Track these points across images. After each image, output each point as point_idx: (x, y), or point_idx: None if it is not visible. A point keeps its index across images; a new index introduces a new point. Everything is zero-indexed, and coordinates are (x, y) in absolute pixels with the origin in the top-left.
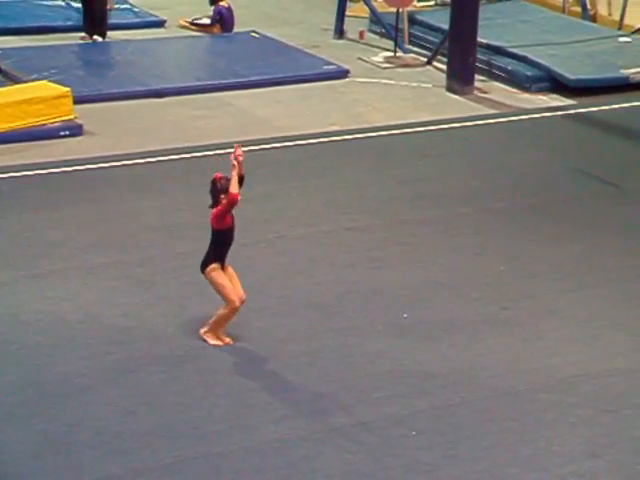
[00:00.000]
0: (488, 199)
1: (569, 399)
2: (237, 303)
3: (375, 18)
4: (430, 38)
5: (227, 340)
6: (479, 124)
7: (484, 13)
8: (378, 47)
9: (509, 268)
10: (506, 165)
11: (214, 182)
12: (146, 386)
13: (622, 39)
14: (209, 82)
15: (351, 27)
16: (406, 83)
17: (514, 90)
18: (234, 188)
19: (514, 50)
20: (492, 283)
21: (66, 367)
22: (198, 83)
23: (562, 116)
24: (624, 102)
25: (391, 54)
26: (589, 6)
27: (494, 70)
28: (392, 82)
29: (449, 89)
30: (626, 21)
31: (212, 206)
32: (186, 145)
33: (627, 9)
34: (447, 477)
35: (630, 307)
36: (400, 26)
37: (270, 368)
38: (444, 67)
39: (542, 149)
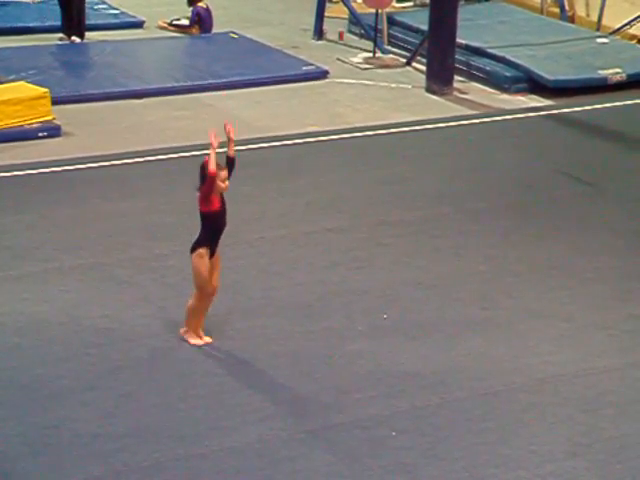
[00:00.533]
0: (468, 199)
1: (548, 399)
2: (210, 290)
3: (354, 19)
4: (409, 39)
5: (207, 339)
6: (458, 125)
7: (463, 14)
8: (357, 48)
9: (489, 268)
10: (486, 166)
11: (202, 166)
12: (126, 387)
13: (600, 40)
14: (188, 83)
15: (330, 28)
16: (385, 84)
17: (493, 91)
18: (211, 165)
19: (493, 51)
20: (472, 283)
21: (45, 369)
22: (177, 84)
23: (541, 117)
24: (602, 103)
25: (370, 55)
26: (567, 7)
27: (473, 71)
28: (371, 83)
29: (428, 90)
30: (604, 22)
31: (198, 189)
32: (166, 146)
33: (605, 10)
34: (427, 477)
35: (610, 307)
36: (379, 27)
37: (250, 369)
38: (423, 68)
39: (522, 149)
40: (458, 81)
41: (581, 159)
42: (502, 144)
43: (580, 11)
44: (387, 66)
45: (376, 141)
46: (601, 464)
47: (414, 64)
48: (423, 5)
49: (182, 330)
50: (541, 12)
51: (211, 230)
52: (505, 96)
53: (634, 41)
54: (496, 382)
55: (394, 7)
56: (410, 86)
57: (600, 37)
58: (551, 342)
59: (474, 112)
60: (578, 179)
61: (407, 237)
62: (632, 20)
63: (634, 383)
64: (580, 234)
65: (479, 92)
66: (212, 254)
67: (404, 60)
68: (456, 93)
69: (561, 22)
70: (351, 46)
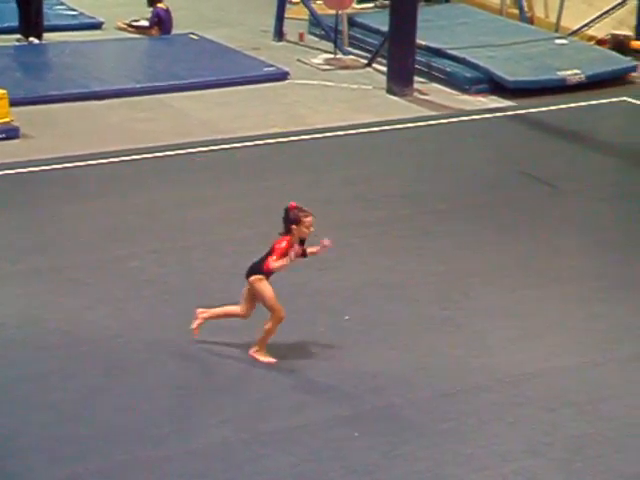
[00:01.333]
0: (431, 200)
1: (510, 398)
2: (282, 313)
3: (315, 20)
4: (370, 40)
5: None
6: (419, 125)
7: (423, 15)
8: (318, 49)
9: (451, 268)
10: (447, 166)
11: (287, 211)
12: (86, 390)
13: (559, 41)
14: (149, 84)
15: (290, 29)
16: (346, 85)
17: (453, 92)
18: (277, 262)
19: (453, 52)
20: (434, 284)
21: (5, 372)
22: (138, 85)
23: (501, 117)
24: (561, 103)
25: (331, 56)
26: (526, 8)
27: (433, 72)
28: (332, 84)
29: (389, 91)
30: (562, 23)
31: (282, 233)
32: (127, 147)
33: (563, 11)
34: (390, 478)
35: (570, 307)
36: (340, 28)
37: (211, 370)
38: (384, 69)
39: (483, 150)
40: (418, 82)
41: (542, 159)
42: (463, 145)
43: (539, 12)
44: (348, 67)
45: (338, 142)
46: (561, 463)
47: (375, 65)
48: (383, 6)
49: (253, 349)
50: (500, 13)
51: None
52: (465, 97)
53: (592, 42)
54: (457, 382)
55: (355, 8)
56: (371, 87)
57: (559, 38)
58: (511, 342)
59: (435, 113)
60: (539, 179)
61: (370, 238)
62: (590, 21)
63: (594, 382)
64: (541, 234)
65: (439, 93)
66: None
67: (365, 61)
68: (416, 94)
69: (520, 23)
70: (311, 47)
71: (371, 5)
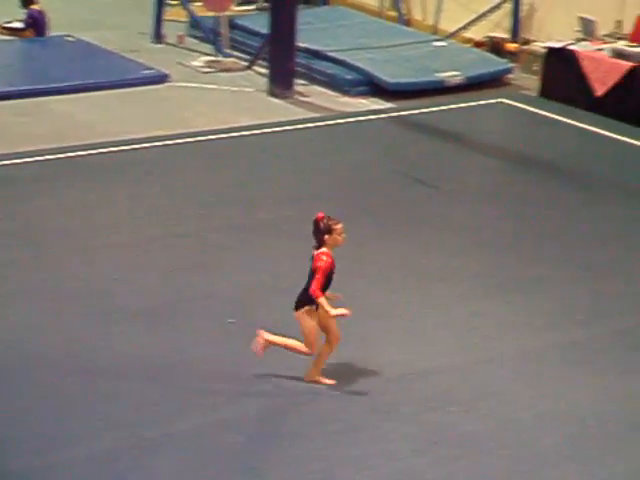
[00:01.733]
0: (312, 202)
1: (395, 398)
2: (312, 350)
3: (194, 22)
4: (250, 42)
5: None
6: (301, 128)
7: (303, 18)
8: (198, 51)
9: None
10: (329, 168)
11: (316, 222)
12: None
13: (437, 43)
14: (25, 87)
15: (170, 31)
16: (227, 87)
17: (334, 94)
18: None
19: (333, 54)
20: None
21: None
22: (13, 88)
23: (382, 119)
24: (441, 105)
25: (211, 58)
26: (404, 11)
27: (314, 74)
28: (213, 86)
29: (270, 93)
30: (440, 26)
31: (315, 247)
32: (5, 152)
33: (441, 14)
34: None
35: (452, 306)
36: (220, 30)
37: (96, 376)
38: (265, 71)
39: (364, 152)
40: (299, 84)
41: (422, 160)
42: (345, 147)
43: (417, 15)
44: (228, 69)
45: (220, 145)
46: (446, 461)
47: (255, 67)
48: (264, 9)
49: (310, 376)
50: (379, 16)
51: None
52: (346, 99)
53: (470, 44)
54: (344, 384)
55: (235, 10)
56: (252, 89)
57: (437, 40)
58: (396, 342)
59: (316, 115)
60: (420, 180)
61: (252, 240)
62: (467, 24)
63: (478, 381)
64: (423, 235)
65: (320, 95)
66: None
67: (245, 64)
68: (297, 96)
69: (399, 26)
70: (191, 50)
71: (252, 7)
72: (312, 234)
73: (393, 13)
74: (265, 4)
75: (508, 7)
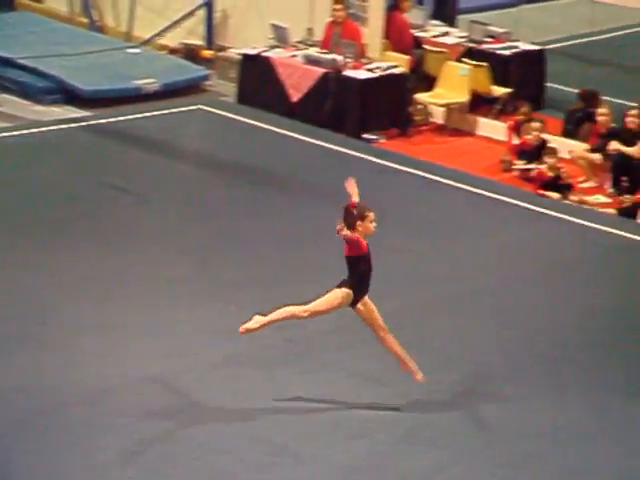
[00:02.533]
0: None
1: (102, 410)
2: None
3: None
4: None
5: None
6: None
7: None
8: None
9: (36, 280)
10: (22, 180)
11: (348, 209)
12: None
13: (131, 50)
14: None
15: None
16: None
17: (26, 102)
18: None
19: (23, 62)
20: (17, 297)
21: None
22: None
23: (78, 128)
24: (139, 112)
25: None
26: (96, 17)
27: (5, 82)
28: None
29: None
30: (134, 32)
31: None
32: None
33: (134, 21)
34: None
35: (157, 314)
36: None
37: None
38: None
39: (61, 162)
40: None
41: (123, 169)
42: (39, 157)
43: (109, 21)
44: None
45: None
46: (151, 471)
47: None
48: None
49: (419, 377)
50: (70, 22)
51: (359, 274)
52: (39, 107)
53: (165, 51)
54: (50, 399)
55: None
56: None
57: (131, 47)
58: (99, 354)
59: (7, 125)
60: (122, 189)
61: None
62: (161, 31)
63: (180, 389)
64: (128, 244)
65: (12, 104)
66: (356, 301)
67: None
68: None
69: (92, 32)
70: None
71: None
72: (343, 220)
73: (85, 19)
74: None
75: (201, 14)
